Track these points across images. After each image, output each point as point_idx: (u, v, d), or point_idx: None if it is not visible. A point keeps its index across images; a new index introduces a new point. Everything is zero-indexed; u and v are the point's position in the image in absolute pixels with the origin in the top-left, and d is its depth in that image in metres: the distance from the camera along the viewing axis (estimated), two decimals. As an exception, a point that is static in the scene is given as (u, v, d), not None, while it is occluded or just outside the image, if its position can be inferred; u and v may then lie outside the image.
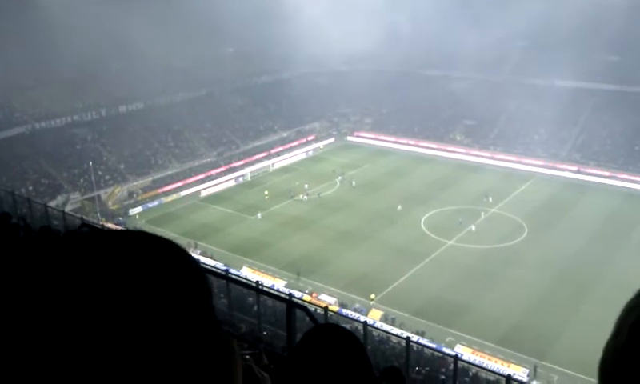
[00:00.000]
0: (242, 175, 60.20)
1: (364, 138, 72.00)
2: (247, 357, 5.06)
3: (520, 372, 29.94)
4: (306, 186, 55.33)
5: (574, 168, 59.01)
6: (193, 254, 0.86)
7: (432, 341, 29.92)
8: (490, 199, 51.05)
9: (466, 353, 30.10)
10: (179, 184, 56.68)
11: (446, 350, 27.84)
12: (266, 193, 53.94)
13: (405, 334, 22.73)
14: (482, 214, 48.56)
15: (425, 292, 36.81)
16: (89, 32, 54.19)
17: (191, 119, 66.13)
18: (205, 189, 56.52)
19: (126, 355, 0.72)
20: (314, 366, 1.79)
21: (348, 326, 19.67)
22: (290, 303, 5.34)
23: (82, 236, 0.81)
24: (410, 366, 17.91)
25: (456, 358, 16.49)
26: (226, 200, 53.96)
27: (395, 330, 29.70)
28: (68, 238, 0.80)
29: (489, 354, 30.88)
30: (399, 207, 49.62)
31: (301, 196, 53.43)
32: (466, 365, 23.77)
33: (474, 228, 45.67)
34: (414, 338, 26.12)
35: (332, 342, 1.83)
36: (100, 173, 54.65)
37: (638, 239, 43.17)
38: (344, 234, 45.55)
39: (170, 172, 58.66)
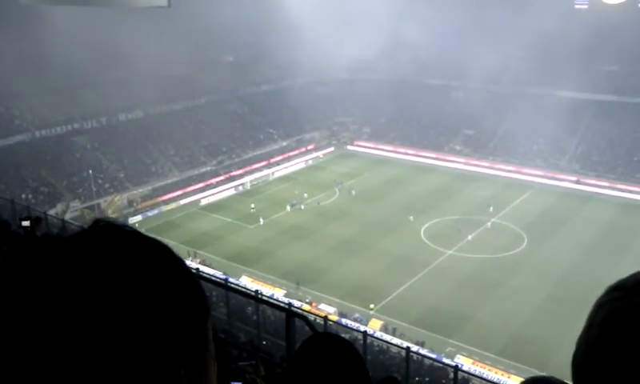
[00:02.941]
0: (242, 184, 60.20)
1: (363, 147, 72.09)
2: (249, 368, 5.03)
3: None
4: (306, 195, 55.32)
5: (574, 178, 59.04)
6: (192, 263, 0.90)
7: (432, 351, 29.79)
8: (491, 209, 51.01)
9: (466, 363, 29.95)
10: (179, 192, 56.65)
11: (446, 361, 27.72)
12: (253, 206, 53.40)
13: (405, 344, 22.63)
14: (482, 223, 48.55)
15: (425, 302, 36.71)
16: (88, 40, 54.34)
17: (191, 128, 66.24)
18: (204, 197, 56.49)
19: (110, 356, 0.73)
20: (312, 374, 1.77)
21: (348, 336, 19.58)
22: (289, 312, 5.32)
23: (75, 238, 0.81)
24: (410, 376, 17.82)
25: (456, 368, 16.42)
26: (225, 209, 53.93)
27: (395, 340, 29.57)
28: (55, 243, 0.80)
29: (489, 365, 30.75)
30: (411, 218, 49.26)
31: (288, 207, 52.91)
32: (466, 375, 23.67)
33: (470, 237, 45.65)
34: (414, 348, 25.99)
35: (329, 351, 1.81)
36: (100, 181, 54.62)
37: (637, 249, 43.11)
38: (343, 243, 45.48)
39: (169, 180, 58.63)
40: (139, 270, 0.78)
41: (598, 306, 0.90)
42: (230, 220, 51.35)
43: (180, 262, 0.86)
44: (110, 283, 0.75)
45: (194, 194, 56.65)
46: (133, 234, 0.84)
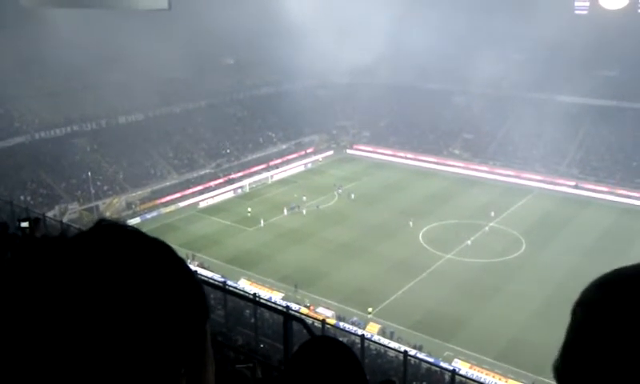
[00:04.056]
0: (241, 187, 60.19)
1: (363, 151, 72.09)
2: (246, 371, 5.04)
3: (518, 387, 29.79)
4: (305, 198, 55.31)
5: (573, 183, 59.06)
6: (191, 266, 0.91)
7: (430, 355, 29.77)
8: (492, 213, 50.92)
9: (463, 367, 29.92)
10: (178, 195, 56.63)
11: (444, 365, 27.70)
12: (249, 209, 53.27)
13: (402, 348, 22.60)
14: (481, 227, 48.54)
15: (423, 306, 36.68)
16: (88, 42, 54.40)
17: (190, 130, 66.25)
18: (203, 200, 56.48)
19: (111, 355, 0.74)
20: (309, 377, 1.77)
21: (345, 340, 19.55)
22: (287, 316, 5.32)
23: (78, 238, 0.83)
24: (408, 380, 17.79)
25: (454, 372, 16.38)
26: (224, 211, 53.90)
27: (393, 344, 29.55)
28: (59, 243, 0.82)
29: (487, 369, 30.72)
30: (411, 223, 49.13)
31: (285, 211, 52.85)
32: (463, 379, 23.64)
33: (469, 242, 45.63)
34: (412, 351, 25.96)
35: (327, 354, 1.82)
36: (99, 183, 54.59)
37: (636, 254, 43.14)
38: (342, 247, 45.46)
39: (168, 183, 58.61)
40: (142, 270, 0.80)
41: (577, 304, 0.88)
42: (228, 223, 51.32)
43: (181, 263, 0.88)
44: (113, 283, 0.76)
45: (192, 197, 56.63)
46: (136, 234, 0.87)
